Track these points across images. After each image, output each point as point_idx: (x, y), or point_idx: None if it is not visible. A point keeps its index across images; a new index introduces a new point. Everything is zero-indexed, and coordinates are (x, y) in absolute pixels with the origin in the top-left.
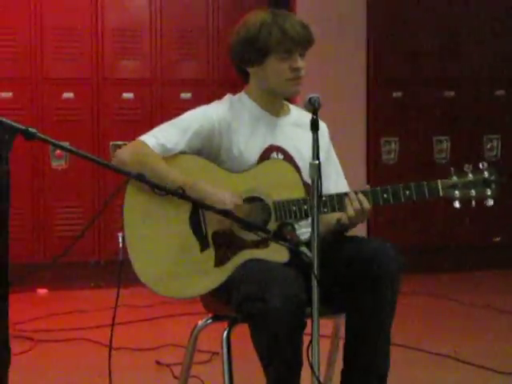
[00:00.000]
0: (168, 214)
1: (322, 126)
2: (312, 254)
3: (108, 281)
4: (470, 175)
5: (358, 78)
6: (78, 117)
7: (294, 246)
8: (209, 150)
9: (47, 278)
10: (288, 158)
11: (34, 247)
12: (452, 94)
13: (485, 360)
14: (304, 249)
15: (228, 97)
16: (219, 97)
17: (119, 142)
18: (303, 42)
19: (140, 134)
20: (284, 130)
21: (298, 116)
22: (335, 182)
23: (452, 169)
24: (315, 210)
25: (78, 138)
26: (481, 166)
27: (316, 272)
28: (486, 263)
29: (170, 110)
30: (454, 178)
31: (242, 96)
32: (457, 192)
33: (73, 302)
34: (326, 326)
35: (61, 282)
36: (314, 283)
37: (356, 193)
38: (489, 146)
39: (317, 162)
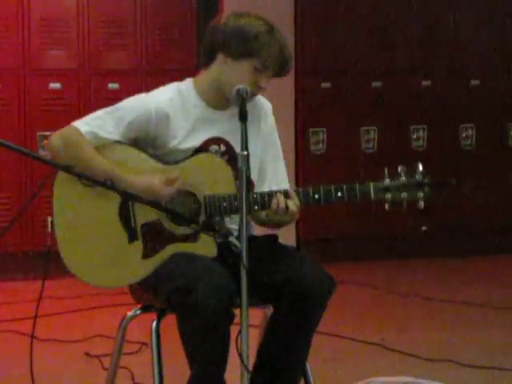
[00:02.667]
0: (98, 203)
1: (267, 106)
2: (241, 244)
3: (37, 272)
4: (403, 178)
5: None
6: (5, 107)
7: (223, 236)
8: (144, 139)
9: None
10: (229, 150)
11: None
12: (379, 84)
13: (412, 348)
14: (233, 239)
15: (174, 85)
16: (148, 87)
17: (47, 133)
18: (284, 72)
19: (67, 124)
20: (227, 122)
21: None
22: (272, 168)
23: (385, 170)
24: (243, 201)
25: (5, 129)
26: (416, 167)
27: (245, 263)
28: (415, 252)
29: (98, 101)
30: (387, 181)
31: (189, 86)
32: (389, 195)
33: (0, 294)
34: (255, 316)
35: None
36: (243, 272)
37: (286, 193)
38: (415, 136)
39: (245, 152)
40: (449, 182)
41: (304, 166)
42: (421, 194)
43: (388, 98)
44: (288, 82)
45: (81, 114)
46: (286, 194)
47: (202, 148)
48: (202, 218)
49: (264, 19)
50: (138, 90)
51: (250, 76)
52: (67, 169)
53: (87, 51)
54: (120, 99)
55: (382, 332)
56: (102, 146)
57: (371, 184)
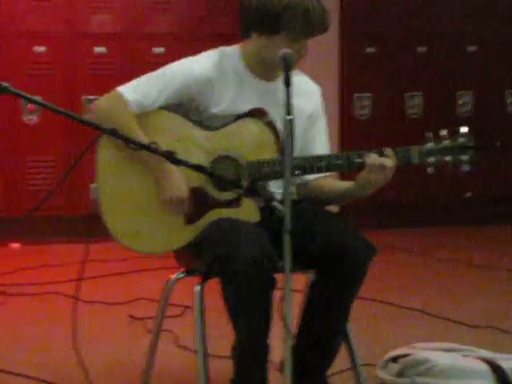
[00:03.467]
0: (141, 169)
1: (314, 88)
2: (284, 209)
3: (81, 235)
4: (447, 141)
5: (330, 34)
6: (50, 71)
7: (266, 200)
8: (188, 104)
9: (20, 232)
10: (271, 123)
11: (6, 202)
12: (424, 49)
13: (453, 314)
14: (276, 203)
15: (219, 50)
16: (193, 52)
17: (91, 97)
18: (320, 31)
19: (112, 89)
20: (271, 94)
21: (294, 81)
22: (319, 143)
23: (429, 134)
24: (288, 165)
25: (50, 93)
26: (460, 130)
27: (288, 227)
28: (458, 218)
29: (143, 65)
30: (430, 145)
31: (235, 52)
32: (432, 159)
33: (45, 256)
34: (299, 280)
35: (34, 236)
36: (286, 237)
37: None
38: (461, 102)
39: (290, 117)
40: (493, 144)
41: (349, 131)
42: (465, 157)
43: (433, 63)
44: (332, 47)
45: (126, 77)
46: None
47: (245, 115)
48: (245, 182)
49: None
50: (184, 54)
51: (288, 47)
52: (113, 132)
53: (132, 15)
54: (165, 63)
55: (424, 298)
56: (146, 113)
57: (414, 148)
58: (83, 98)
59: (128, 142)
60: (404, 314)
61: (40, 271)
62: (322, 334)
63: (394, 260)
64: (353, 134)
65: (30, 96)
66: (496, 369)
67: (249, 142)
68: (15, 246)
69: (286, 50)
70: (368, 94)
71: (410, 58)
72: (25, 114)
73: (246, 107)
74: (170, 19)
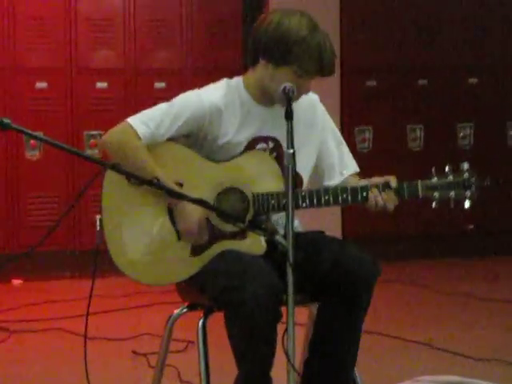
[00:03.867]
0: (147, 201)
1: (313, 98)
2: (287, 243)
3: (84, 271)
4: (451, 177)
5: None
6: (52, 107)
7: (269, 234)
8: (196, 135)
9: (22, 268)
10: (277, 147)
11: (8, 237)
12: (425, 82)
13: (460, 347)
14: (279, 237)
15: (225, 82)
16: (194, 86)
17: (93, 132)
18: (327, 74)
19: (114, 124)
20: (276, 119)
21: (295, 105)
22: (339, 155)
23: (433, 169)
24: (289, 198)
25: (52, 128)
26: (462, 166)
27: (291, 260)
28: (459, 251)
29: (144, 100)
30: (435, 179)
31: (239, 83)
32: (436, 193)
33: (48, 292)
34: (301, 313)
35: (36, 273)
36: (289, 271)
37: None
38: (462, 134)
39: (291, 150)
40: (496, 181)
41: None
42: (468, 193)
43: (434, 96)
44: (333, 80)
45: (127, 113)
46: (365, 190)
47: (251, 145)
48: (250, 215)
49: (307, 19)
50: (185, 90)
51: (292, 82)
52: (115, 167)
53: (133, 51)
54: (166, 98)
55: (430, 331)
56: (154, 144)
57: (419, 182)
58: (85, 133)
59: (129, 177)
60: (409, 347)
61: (43, 307)
62: (332, 365)
63: (396, 293)
64: None
65: (31, 132)
66: None
67: (255, 175)
68: (17, 282)
69: (286, 84)
70: (369, 127)
71: (410, 90)
72: (27, 150)
73: (250, 135)
74: (171, 55)
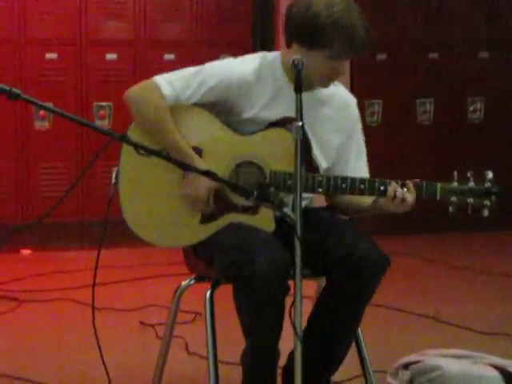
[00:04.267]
0: (165, 163)
1: (350, 101)
2: (295, 216)
3: (92, 242)
4: (472, 183)
5: None
6: (62, 77)
7: (277, 207)
8: (222, 104)
9: (31, 238)
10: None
11: (17, 208)
12: (435, 56)
13: (466, 321)
14: (288, 211)
15: (261, 55)
16: (203, 59)
17: (103, 103)
18: (361, 53)
19: (123, 95)
20: (305, 105)
21: (328, 93)
22: (353, 165)
23: (455, 173)
24: (297, 171)
25: (62, 99)
26: (486, 174)
27: (299, 234)
28: (470, 225)
29: (154, 71)
30: (455, 184)
31: (276, 59)
32: (454, 198)
33: (56, 263)
34: (309, 286)
35: (45, 243)
36: (297, 244)
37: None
38: (472, 109)
39: (300, 123)
40: None
41: None
42: (487, 202)
43: (444, 70)
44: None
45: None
46: (383, 184)
47: (276, 124)
48: (271, 191)
49: None
50: (194, 62)
51: (327, 65)
52: (123, 139)
53: (143, 22)
54: (175, 70)
55: (437, 305)
56: (179, 106)
57: (439, 185)
58: (94, 104)
59: (138, 148)
60: (415, 320)
61: (51, 278)
62: (328, 341)
63: (404, 266)
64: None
65: (41, 103)
66: (507, 375)
67: (276, 152)
68: (26, 252)
69: (296, 57)
70: (378, 101)
71: (420, 64)
72: (36, 121)
73: (278, 114)
74: (181, 26)
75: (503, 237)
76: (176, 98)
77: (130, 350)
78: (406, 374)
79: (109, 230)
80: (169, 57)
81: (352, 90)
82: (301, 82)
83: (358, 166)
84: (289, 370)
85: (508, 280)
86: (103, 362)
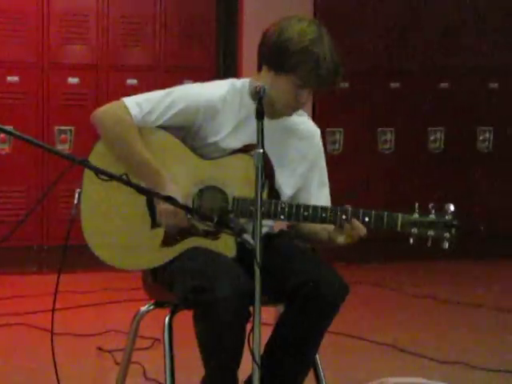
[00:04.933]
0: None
1: (314, 132)
2: (255, 242)
3: (51, 266)
4: (433, 215)
5: None
6: (23, 101)
7: (237, 233)
8: (188, 129)
9: None
10: (267, 162)
11: None
12: (397, 85)
13: (424, 349)
14: (246, 236)
15: (230, 81)
16: (166, 84)
17: (64, 127)
18: (326, 86)
19: (85, 120)
20: (270, 133)
21: (293, 122)
22: (316, 194)
23: (416, 204)
24: (258, 197)
25: (23, 122)
26: (447, 207)
27: (258, 260)
28: (427, 254)
29: (116, 96)
30: (416, 216)
31: (245, 87)
32: (415, 230)
33: (15, 287)
34: (268, 313)
35: (3, 267)
36: (257, 270)
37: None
38: (432, 138)
39: (261, 150)
40: (478, 228)
41: None
42: (447, 235)
43: (406, 99)
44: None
45: None
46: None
47: (242, 150)
48: (231, 217)
49: (314, 27)
50: (157, 87)
51: (291, 92)
52: (83, 163)
53: (106, 47)
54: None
55: (395, 333)
56: (145, 128)
57: (399, 216)
58: (56, 128)
59: (98, 173)
60: (374, 348)
61: (9, 302)
62: (286, 368)
63: (363, 295)
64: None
65: (1, 125)
66: None
67: (240, 178)
68: None
69: (257, 83)
70: (340, 129)
71: (382, 93)
72: None
73: (243, 141)
74: (144, 52)
75: (463, 266)
76: (143, 119)
77: (87, 375)
78: None
79: (69, 254)
80: (131, 82)
81: (313, 118)
82: (262, 108)
83: (321, 196)
84: None
85: (467, 309)
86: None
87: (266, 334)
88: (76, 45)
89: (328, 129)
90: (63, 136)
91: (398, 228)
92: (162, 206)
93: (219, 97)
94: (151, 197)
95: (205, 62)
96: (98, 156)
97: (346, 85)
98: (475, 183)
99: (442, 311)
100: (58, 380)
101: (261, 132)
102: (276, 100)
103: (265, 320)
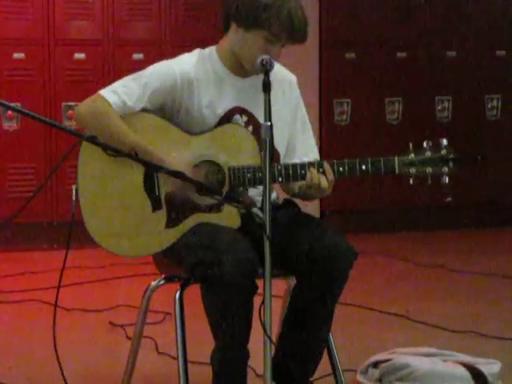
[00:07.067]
0: (122, 172)
1: (291, 78)
2: (264, 216)
3: (61, 242)
4: (428, 152)
5: (310, 39)
6: (30, 78)
7: (246, 207)
8: (170, 106)
9: None
10: (252, 120)
11: None
12: (404, 55)
13: (436, 319)
14: (256, 210)
15: (197, 51)
16: (172, 57)
17: (71, 103)
18: (297, 40)
19: (91, 94)
20: (250, 91)
21: (272, 79)
22: (302, 140)
23: (410, 145)
24: (266, 171)
25: (30, 99)
26: (441, 142)
27: (268, 233)
28: (439, 223)
29: (122, 71)
30: (412, 156)
31: (212, 52)
32: (413, 169)
33: (25, 264)
34: (279, 285)
35: (13, 244)
36: (267, 243)
37: (320, 165)
38: (440, 107)
39: (268, 123)
40: (474, 157)
41: (328, 137)
42: (445, 169)
43: (413, 69)
44: (312, 53)
45: (105, 84)
46: (320, 166)
47: (226, 117)
48: (226, 188)
49: None
50: (161, 60)
51: (261, 46)
52: (91, 140)
53: (112, 22)
54: (144, 69)
55: (406, 303)
56: (128, 114)
57: (396, 158)
58: (63, 104)
59: (106, 149)
60: (385, 319)
61: (20, 278)
62: (304, 341)
63: (374, 265)
64: (332, 139)
65: (8, 103)
66: (476, 373)
67: (231, 148)
68: None
69: (264, 56)
70: (347, 100)
71: (389, 63)
72: (4, 121)
73: (225, 106)
74: (149, 26)
75: (470, 235)
76: (123, 105)
77: (99, 350)
78: (375, 373)
79: (78, 230)
80: (137, 56)
81: (320, 89)
82: (269, 81)
83: (306, 140)
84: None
85: (478, 278)
86: (60, 364)
87: (276, 306)
88: (81, 20)
89: (335, 100)
90: (70, 112)
91: (396, 170)
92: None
93: (191, 67)
94: (159, 171)
95: (210, 35)
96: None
97: (353, 55)
98: (484, 152)
99: (452, 280)
100: (57, 356)
101: (268, 105)
102: (248, 58)
103: (275, 293)
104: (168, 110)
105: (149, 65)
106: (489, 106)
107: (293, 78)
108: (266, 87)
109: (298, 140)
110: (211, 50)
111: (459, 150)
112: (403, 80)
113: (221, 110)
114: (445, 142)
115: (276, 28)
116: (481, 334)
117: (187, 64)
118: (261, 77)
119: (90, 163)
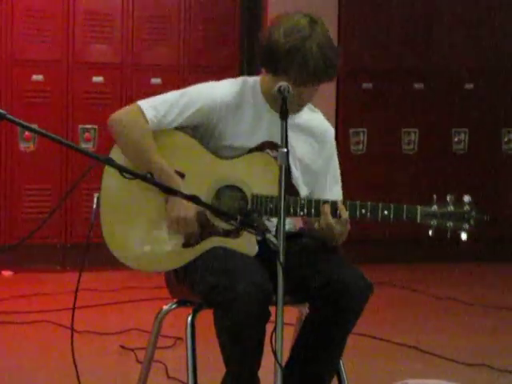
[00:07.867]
0: (146, 187)
1: (328, 129)
2: (278, 242)
3: (74, 264)
4: (451, 207)
5: None
6: (48, 99)
7: (260, 233)
8: (205, 128)
9: (13, 259)
10: None
11: (0, 229)
12: (421, 86)
13: (447, 351)
14: (270, 236)
15: (241, 80)
16: (190, 83)
17: (88, 126)
18: (323, 80)
19: (110, 115)
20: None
21: (306, 119)
22: (330, 191)
23: (434, 196)
24: (281, 196)
25: (47, 121)
26: (464, 198)
27: (282, 260)
28: (451, 256)
29: (140, 95)
30: (435, 207)
31: (256, 85)
32: (434, 221)
33: (38, 285)
34: (291, 313)
35: (27, 265)
36: (280, 269)
37: (335, 207)
38: (456, 139)
39: (285, 150)
40: (494, 218)
41: (344, 166)
42: (466, 226)
43: (430, 100)
44: (329, 83)
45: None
46: (334, 207)
47: (258, 148)
48: (254, 216)
49: (302, 25)
50: (180, 86)
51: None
52: (108, 162)
53: (131, 46)
54: (161, 94)
55: (418, 334)
56: (162, 130)
57: (419, 208)
58: (80, 126)
59: (122, 171)
60: (397, 350)
61: (32, 299)
62: (311, 370)
63: (387, 295)
64: (348, 168)
65: (26, 124)
66: None
67: (257, 176)
68: (8, 273)
69: (282, 83)
70: (363, 129)
71: (406, 94)
72: (21, 142)
73: (258, 139)
74: (168, 51)
75: (486, 268)
76: (158, 122)
77: (109, 373)
78: None
79: (92, 252)
80: (155, 81)
81: (337, 118)
82: (287, 108)
83: (334, 192)
84: None
85: (489, 311)
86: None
87: (287, 334)
88: (101, 44)
89: (352, 129)
90: (87, 134)
91: (418, 220)
92: (172, 214)
93: (234, 94)
94: (175, 195)
95: (229, 61)
96: (117, 156)
97: (370, 85)
98: (500, 185)
99: (464, 313)
100: (78, 377)
101: (285, 131)
102: (275, 99)
103: (287, 320)
104: (202, 131)
105: (166, 90)
106: (505, 140)
107: (329, 128)
108: (284, 114)
109: (327, 191)
110: (255, 82)
111: (480, 208)
112: (420, 111)
113: (253, 142)
114: (468, 198)
115: (294, 74)
116: (493, 367)
117: (230, 91)
118: (299, 117)
119: (115, 175)
